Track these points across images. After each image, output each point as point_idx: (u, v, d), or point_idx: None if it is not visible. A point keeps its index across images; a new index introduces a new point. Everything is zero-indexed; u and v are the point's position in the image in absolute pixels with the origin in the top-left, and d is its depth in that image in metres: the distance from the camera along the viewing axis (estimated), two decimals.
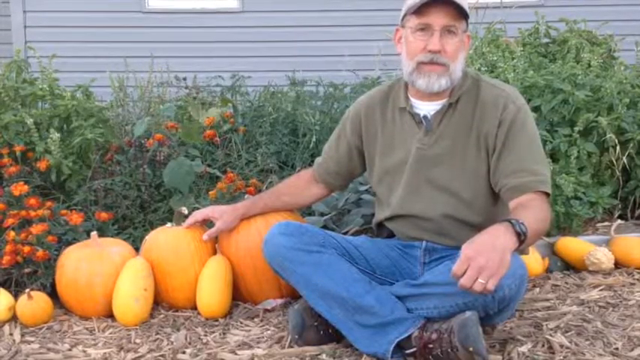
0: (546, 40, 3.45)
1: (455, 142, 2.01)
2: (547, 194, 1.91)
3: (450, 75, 1.95)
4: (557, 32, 3.44)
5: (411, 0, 1.95)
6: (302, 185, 2.31)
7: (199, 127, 3.08)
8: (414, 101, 2.05)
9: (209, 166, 2.99)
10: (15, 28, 5.71)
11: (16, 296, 2.27)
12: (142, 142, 2.99)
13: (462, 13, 1.92)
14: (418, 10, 1.92)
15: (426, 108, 2.04)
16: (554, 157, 2.83)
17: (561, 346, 1.89)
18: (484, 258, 1.59)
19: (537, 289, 2.40)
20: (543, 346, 1.91)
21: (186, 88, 3.81)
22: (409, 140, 2.06)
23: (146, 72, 3.93)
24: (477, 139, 1.99)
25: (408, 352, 1.82)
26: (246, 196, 2.60)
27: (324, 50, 5.49)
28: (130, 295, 2.18)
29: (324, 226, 2.58)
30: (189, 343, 2.04)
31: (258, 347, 1.98)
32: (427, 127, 2.03)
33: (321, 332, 1.96)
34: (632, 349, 1.88)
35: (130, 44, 5.43)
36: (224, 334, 2.11)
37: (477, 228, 1.84)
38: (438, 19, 1.91)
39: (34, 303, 2.21)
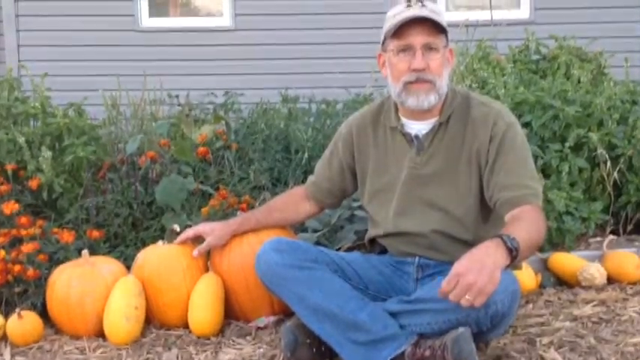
0: (536, 56, 3.47)
1: (446, 160, 2.02)
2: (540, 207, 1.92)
3: (437, 91, 1.97)
4: (547, 49, 3.47)
5: (387, 24, 1.97)
6: (294, 202, 2.31)
7: (192, 144, 3.08)
8: (404, 121, 2.07)
9: (202, 183, 2.99)
10: (8, 47, 5.72)
11: (6, 316, 2.25)
12: (135, 159, 2.99)
13: (439, 29, 1.94)
14: (397, 33, 1.94)
15: (417, 127, 2.05)
16: (545, 172, 2.84)
17: None
18: (473, 276, 1.60)
19: (530, 305, 2.40)
20: None
21: (179, 105, 3.81)
22: (401, 160, 2.07)
23: (139, 90, 3.93)
24: (469, 156, 2.00)
25: None
26: (238, 213, 2.59)
27: (315, 67, 5.52)
28: (121, 313, 2.16)
29: (317, 243, 2.57)
30: None
31: None
32: (418, 147, 2.04)
33: (314, 350, 1.95)
34: None
35: (123, 62, 5.44)
36: (216, 352, 2.10)
37: (469, 244, 1.85)
38: (417, 38, 1.93)
39: (24, 322, 2.19)
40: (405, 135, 2.06)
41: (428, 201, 2.03)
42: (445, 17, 1.99)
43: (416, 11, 1.93)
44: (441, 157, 2.02)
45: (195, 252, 2.27)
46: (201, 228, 2.29)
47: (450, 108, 2.03)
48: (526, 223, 1.81)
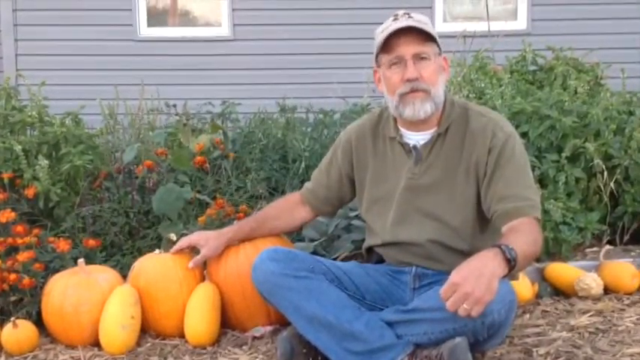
0: (533, 67, 3.48)
1: (445, 171, 2.02)
2: (538, 219, 1.92)
3: (433, 99, 1.98)
4: (544, 60, 3.48)
5: (377, 39, 1.98)
6: (289, 208, 2.30)
7: (189, 153, 3.08)
8: (403, 131, 2.07)
9: (199, 192, 2.99)
10: (6, 56, 5.74)
11: (1, 325, 2.24)
12: (132, 168, 2.98)
13: (427, 37, 1.95)
14: (386, 47, 1.96)
15: (416, 138, 2.06)
16: (542, 182, 2.84)
17: None
18: (471, 285, 1.60)
19: (527, 315, 2.39)
20: None
21: (177, 114, 3.81)
22: (399, 169, 2.07)
23: (137, 99, 3.94)
24: (467, 167, 2.00)
25: None
26: (235, 222, 2.59)
27: (313, 77, 5.53)
28: (117, 323, 2.15)
29: (314, 252, 2.57)
30: None
31: None
32: (417, 158, 2.04)
33: (310, 359, 1.94)
34: None
35: (121, 72, 5.45)
36: None
37: (466, 254, 1.85)
38: (406, 48, 1.94)
39: (19, 332, 2.18)
40: (404, 145, 2.07)
41: (425, 211, 2.04)
42: (433, 26, 2.00)
43: (402, 23, 1.94)
44: (439, 168, 2.03)
45: (191, 264, 2.26)
46: (196, 238, 2.28)
47: (449, 119, 2.04)
48: (523, 235, 1.82)
